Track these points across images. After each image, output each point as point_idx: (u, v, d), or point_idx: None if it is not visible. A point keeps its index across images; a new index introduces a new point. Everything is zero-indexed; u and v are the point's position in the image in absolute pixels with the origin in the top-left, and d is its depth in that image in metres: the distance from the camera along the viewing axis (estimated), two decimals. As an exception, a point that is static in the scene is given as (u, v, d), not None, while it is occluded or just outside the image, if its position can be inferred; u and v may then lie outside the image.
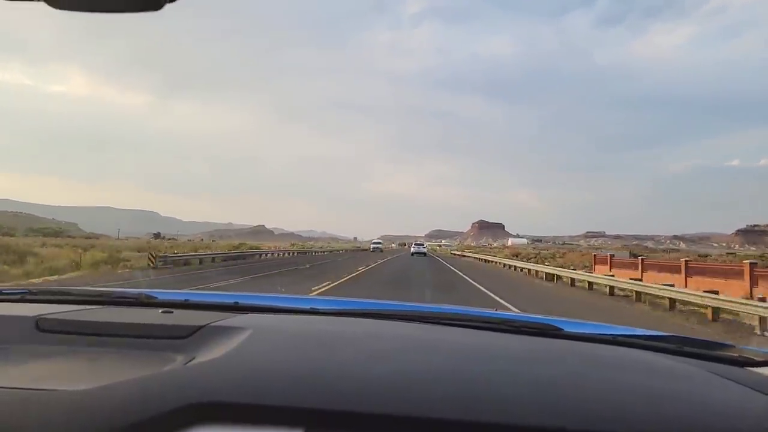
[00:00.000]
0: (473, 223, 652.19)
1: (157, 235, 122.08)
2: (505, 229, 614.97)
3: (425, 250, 56.51)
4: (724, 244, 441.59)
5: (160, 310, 1.21)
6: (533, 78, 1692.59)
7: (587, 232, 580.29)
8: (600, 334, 1.27)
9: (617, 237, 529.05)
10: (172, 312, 1.21)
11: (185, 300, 1.41)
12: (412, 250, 54.11)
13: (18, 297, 1.41)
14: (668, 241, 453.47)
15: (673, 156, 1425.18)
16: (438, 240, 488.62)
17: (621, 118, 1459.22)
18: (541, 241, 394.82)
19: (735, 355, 1.13)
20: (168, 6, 0.65)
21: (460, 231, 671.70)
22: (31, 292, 1.46)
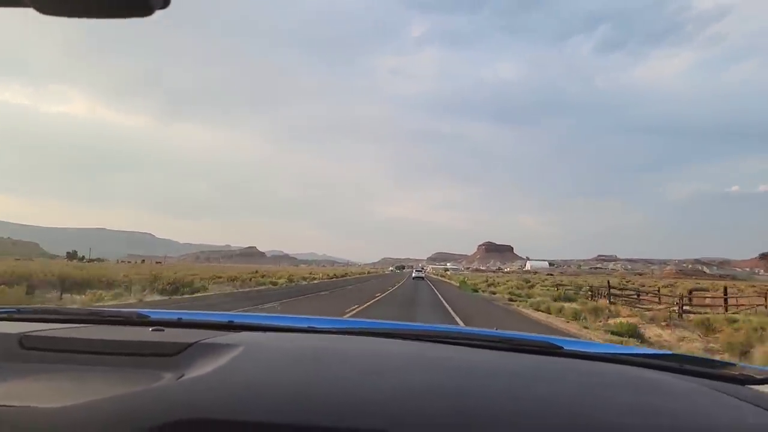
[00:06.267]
0: (479, 245, 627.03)
1: (72, 255, 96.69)
2: (514, 251, 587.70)
3: (423, 275, 71.60)
4: (747, 269, 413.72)
5: (150, 329, 1.19)
6: (540, 103, 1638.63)
7: (599, 256, 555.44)
8: (600, 352, 1.26)
9: (630, 261, 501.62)
10: (163, 330, 1.19)
11: (178, 319, 1.39)
12: (413, 275, 65.84)
13: (5, 315, 1.40)
14: (690, 266, 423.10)
15: (682, 180, 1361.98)
16: (442, 263, 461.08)
17: (632, 143, 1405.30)
18: (553, 264, 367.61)
19: (736, 373, 1.12)
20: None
21: (465, 254, 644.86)
22: (19, 311, 1.45)
